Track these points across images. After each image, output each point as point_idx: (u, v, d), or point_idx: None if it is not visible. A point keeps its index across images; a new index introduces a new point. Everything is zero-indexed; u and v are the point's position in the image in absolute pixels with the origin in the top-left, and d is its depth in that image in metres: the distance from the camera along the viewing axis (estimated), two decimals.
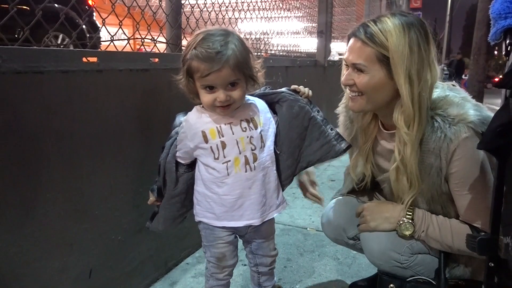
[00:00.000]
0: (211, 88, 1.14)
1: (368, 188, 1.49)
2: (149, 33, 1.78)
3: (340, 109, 1.48)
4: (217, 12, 2.40)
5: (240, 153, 1.20)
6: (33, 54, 1.17)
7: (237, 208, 1.23)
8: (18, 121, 1.15)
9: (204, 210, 1.27)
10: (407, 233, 1.26)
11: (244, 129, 1.20)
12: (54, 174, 1.27)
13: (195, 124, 1.21)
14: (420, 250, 1.29)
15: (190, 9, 2.11)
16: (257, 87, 1.25)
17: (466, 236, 1.09)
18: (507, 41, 0.95)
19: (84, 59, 1.32)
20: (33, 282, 1.24)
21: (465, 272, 1.31)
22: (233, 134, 1.20)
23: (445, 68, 11.47)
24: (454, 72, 11.25)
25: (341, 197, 1.56)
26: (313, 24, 4.42)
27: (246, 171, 1.21)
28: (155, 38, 1.82)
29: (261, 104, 1.28)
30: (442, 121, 1.18)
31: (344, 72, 1.27)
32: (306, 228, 2.37)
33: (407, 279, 1.28)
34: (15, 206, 1.17)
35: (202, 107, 1.22)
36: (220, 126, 1.20)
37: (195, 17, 2.13)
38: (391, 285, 1.29)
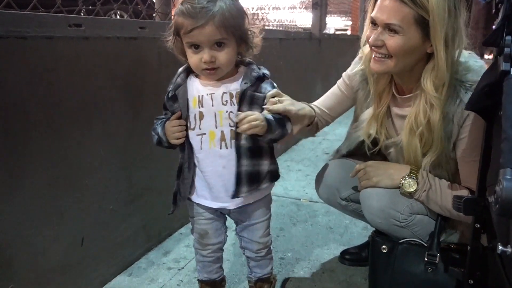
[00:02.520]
0: (196, 48, 1.07)
1: (367, 154, 1.46)
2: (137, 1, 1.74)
3: (356, 71, 1.41)
4: None
5: (216, 128, 1.13)
6: (15, 18, 1.14)
7: (211, 187, 1.18)
8: (1, 88, 1.13)
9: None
10: (410, 190, 1.26)
11: (225, 103, 1.12)
12: (42, 142, 1.26)
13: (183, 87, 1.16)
14: (419, 211, 1.30)
15: None
16: (251, 53, 1.17)
17: (452, 197, 1.09)
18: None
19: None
20: (25, 250, 1.25)
21: (461, 240, 1.33)
22: (212, 106, 1.13)
23: None
24: None
25: (336, 159, 1.55)
26: None
27: (221, 148, 1.13)
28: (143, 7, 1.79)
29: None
30: (459, 86, 1.18)
31: (368, 31, 1.22)
32: (300, 199, 2.38)
33: (400, 241, 1.29)
34: (2, 175, 1.16)
35: (189, 68, 1.16)
36: (201, 96, 1.13)
37: None
38: (383, 246, 1.29)
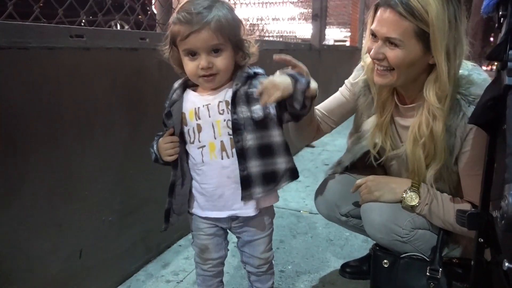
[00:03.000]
0: (193, 55, 1.05)
1: (368, 165, 1.46)
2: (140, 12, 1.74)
3: (359, 79, 1.40)
4: None
5: (215, 138, 1.10)
6: (17, 29, 1.14)
7: (217, 198, 1.14)
8: (2, 97, 1.13)
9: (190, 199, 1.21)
10: (412, 203, 1.25)
11: (221, 112, 1.10)
12: (42, 153, 1.25)
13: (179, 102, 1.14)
14: (421, 225, 1.29)
15: None
16: (248, 61, 1.14)
17: (456, 212, 1.08)
18: (500, 13, 0.93)
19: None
20: (22, 262, 1.23)
21: (464, 254, 1.32)
22: (209, 116, 1.10)
23: None
24: None
25: (335, 174, 1.54)
26: (309, 10, 4.37)
27: (222, 158, 1.11)
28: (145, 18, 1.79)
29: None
30: (463, 100, 1.17)
31: (369, 42, 1.21)
32: (299, 211, 2.37)
33: (401, 255, 1.28)
34: (1, 185, 1.15)
35: (186, 82, 1.15)
36: (198, 108, 1.11)
37: None
38: (385, 260, 1.28)
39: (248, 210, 1.14)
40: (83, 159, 1.40)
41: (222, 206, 1.15)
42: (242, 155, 1.10)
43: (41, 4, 1.32)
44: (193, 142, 1.13)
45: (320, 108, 1.51)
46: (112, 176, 1.54)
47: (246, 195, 1.11)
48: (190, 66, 1.07)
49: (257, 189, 1.11)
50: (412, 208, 1.26)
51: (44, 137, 1.25)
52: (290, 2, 4.34)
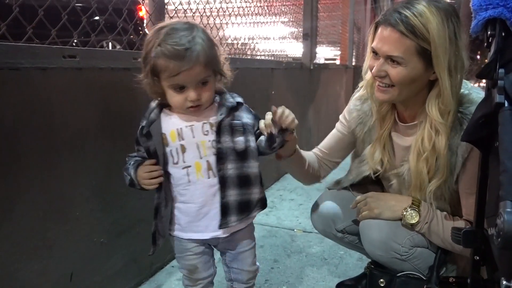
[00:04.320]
0: (181, 88, 1.06)
1: (371, 179, 1.45)
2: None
3: (354, 102, 1.43)
4: (201, 14, 2.39)
5: (201, 158, 1.11)
6: (9, 50, 1.14)
7: (202, 217, 1.14)
8: None
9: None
10: (412, 221, 1.25)
11: (206, 133, 1.11)
12: (33, 174, 1.24)
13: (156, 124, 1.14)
14: (420, 243, 1.28)
15: (174, 9, 2.09)
16: (224, 81, 1.17)
17: (451, 229, 1.08)
18: (488, 33, 0.95)
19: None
20: (11, 285, 1.20)
21: (462, 274, 1.30)
22: (193, 137, 1.11)
23: None
24: None
25: (333, 190, 1.53)
26: (299, 29, 4.43)
27: (209, 177, 1.12)
28: (137, 38, 1.80)
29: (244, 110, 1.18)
30: (463, 119, 1.18)
31: (370, 60, 1.22)
32: (293, 230, 2.35)
33: (398, 274, 1.26)
34: None
35: (161, 104, 1.15)
36: (180, 129, 1.12)
37: (178, 18, 2.11)
38: (381, 280, 1.27)
39: (224, 232, 1.16)
40: (74, 180, 1.38)
41: (205, 226, 1.15)
42: (223, 184, 1.12)
43: (34, 25, 1.32)
44: (177, 163, 1.13)
45: (320, 147, 1.52)
46: (103, 197, 1.52)
47: (223, 223, 1.13)
48: (177, 98, 1.07)
49: (232, 217, 1.13)
50: (412, 226, 1.26)
51: (36, 157, 1.24)
52: (281, 22, 4.40)
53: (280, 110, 1.10)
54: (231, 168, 1.12)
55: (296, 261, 1.97)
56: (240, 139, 1.12)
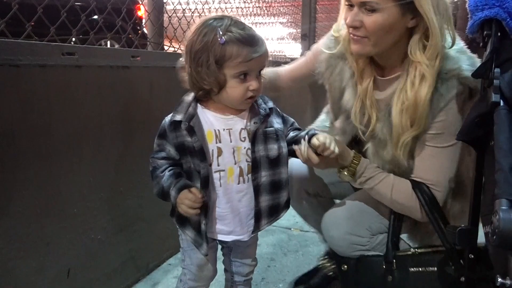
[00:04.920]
0: (244, 77, 1.03)
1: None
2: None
3: (324, 57, 1.33)
4: (200, 13, 2.39)
5: (235, 164, 1.09)
6: (8, 46, 1.14)
7: (228, 222, 1.13)
8: None
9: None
10: (346, 179, 1.23)
11: (243, 139, 1.09)
12: (30, 171, 1.24)
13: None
14: (379, 230, 1.29)
15: (173, 9, 2.10)
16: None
17: (446, 228, 1.09)
18: (484, 33, 0.96)
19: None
20: (8, 282, 1.20)
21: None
22: (230, 142, 1.08)
23: None
24: None
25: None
26: (298, 30, 4.45)
27: (238, 183, 1.10)
28: (136, 36, 1.80)
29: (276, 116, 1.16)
30: (437, 76, 1.13)
31: (343, 12, 1.18)
32: (290, 229, 2.35)
33: (357, 257, 1.27)
34: None
35: (196, 99, 1.10)
36: (218, 131, 1.08)
37: (177, 16, 2.12)
38: (344, 266, 1.26)
39: (246, 235, 1.15)
40: (72, 177, 1.38)
41: (229, 231, 1.14)
42: (256, 192, 1.11)
43: (33, 23, 1.32)
44: (211, 165, 1.09)
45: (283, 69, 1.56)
46: (101, 194, 1.52)
47: (255, 229, 1.14)
48: (240, 89, 1.04)
49: (263, 221, 1.14)
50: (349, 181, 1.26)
51: (33, 154, 1.24)
52: (280, 23, 4.42)
53: (321, 141, 1.06)
54: (264, 176, 1.11)
55: (293, 259, 1.98)
56: (273, 146, 1.11)
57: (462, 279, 1.10)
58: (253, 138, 1.09)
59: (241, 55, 1.00)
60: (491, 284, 0.88)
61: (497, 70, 0.91)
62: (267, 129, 1.11)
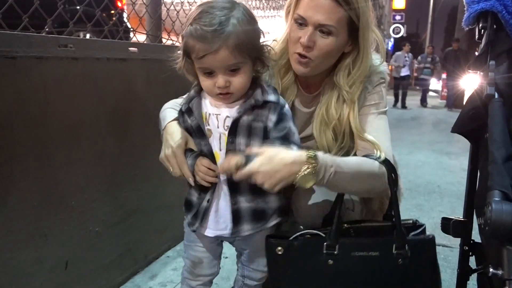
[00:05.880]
0: (209, 73, 0.98)
1: None
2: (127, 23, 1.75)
3: None
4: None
5: (220, 150, 1.05)
6: (4, 38, 1.14)
7: (213, 213, 1.09)
8: None
9: None
10: (308, 185, 1.01)
11: (226, 128, 1.04)
12: (28, 163, 1.24)
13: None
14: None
15: (171, 1, 2.09)
16: (267, 70, 1.09)
17: (441, 219, 1.09)
18: (480, 25, 0.96)
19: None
20: (5, 273, 1.21)
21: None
22: (217, 127, 1.05)
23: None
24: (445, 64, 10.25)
25: None
26: None
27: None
28: (134, 29, 1.80)
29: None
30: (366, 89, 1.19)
31: (297, 31, 1.11)
32: None
33: (292, 237, 1.12)
34: None
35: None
36: (208, 114, 1.06)
37: (175, 9, 2.11)
38: (279, 248, 1.12)
39: (228, 232, 1.10)
40: (69, 169, 1.39)
41: (215, 223, 1.09)
42: (234, 188, 1.06)
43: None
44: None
45: None
46: (99, 186, 1.53)
47: (234, 231, 1.08)
48: (206, 83, 1.01)
49: (245, 226, 1.08)
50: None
51: (31, 146, 1.24)
52: (279, 16, 4.40)
53: (224, 167, 0.98)
54: None
55: None
56: (256, 144, 1.02)
57: (400, 261, 1.06)
58: (233, 128, 1.03)
59: (195, 51, 0.96)
60: (484, 275, 0.88)
61: (492, 62, 0.92)
62: (254, 122, 1.03)
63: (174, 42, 2.01)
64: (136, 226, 1.72)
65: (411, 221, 1.15)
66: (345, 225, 1.13)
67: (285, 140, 1.02)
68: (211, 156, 1.07)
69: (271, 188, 0.97)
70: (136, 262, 1.77)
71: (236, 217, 1.07)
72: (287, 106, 1.09)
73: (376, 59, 1.22)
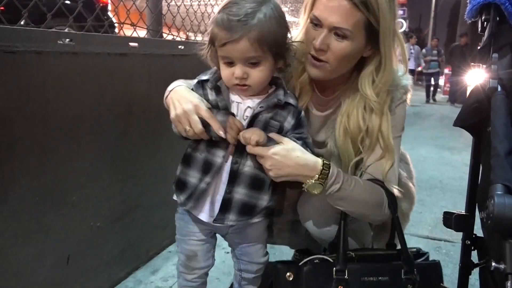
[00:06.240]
0: (229, 62, 0.98)
1: None
2: (128, 18, 1.74)
3: None
4: (199, 1, 2.38)
5: None
6: (4, 32, 1.13)
7: (209, 197, 1.08)
8: None
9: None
10: (315, 192, 1.05)
11: (245, 118, 1.04)
12: (29, 158, 1.24)
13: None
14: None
15: None
16: (288, 69, 1.09)
17: (443, 214, 1.09)
18: (483, 17, 0.95)
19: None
20: (7, 269, 1.21)
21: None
22: (236, 115, 1.05)
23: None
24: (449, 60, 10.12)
25: None
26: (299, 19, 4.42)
27: (226, 161, 1.05)
28: (134, 24, 1.79)
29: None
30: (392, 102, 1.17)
31: (312, 31, 1.08)
32: None
33: (301, 263, 1.15)
34: None
35: None
36: (231, 100, 1.06)
37: (176, 4, 2.11)
38: (288, 273, 1.14)
39: (209, 218, 1.10)
40: (70, 164, 1.39)
41: (209, 208, 1.09)
42: (233, 177, 1.06)
43: None
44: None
45: None
46: (100, 182, 1.52)
47: (219, 219, 1.08)
48: (225, 72, 1.01)
49: (231, 216, 1.08)
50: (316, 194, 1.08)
51: (31, 142, 1.24)
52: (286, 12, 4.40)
53: (247, 135, 0.99)
54: (248, 166, 1.05)
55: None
56: (270, 141, 1.02)
57: (409, 286, 1.08)
58: (252, 120, 1.04)
59: (218, 38, 0.97)
60: (486, 270, 0.88)
61: (495, 55, 0.91)
62: (271, 120, 1.05)
63: (174, 37, 2.01)
64: (137, 221, 1.72)
65: (415, 249, 1.21)
66: (350, 252, 1.15)
67: (303, 145, 1.06)
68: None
69: (274, 177, 1.02)
70: (137, 257, 1.77)
71: (225, 205, 1.07)
72: (303, 113, 1.10)
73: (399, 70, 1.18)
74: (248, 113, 1.05)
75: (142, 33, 1.92)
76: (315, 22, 1.07)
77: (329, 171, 1.03)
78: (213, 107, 1.06)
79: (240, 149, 1.04)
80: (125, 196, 1.66)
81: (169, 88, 1.11)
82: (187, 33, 2.34)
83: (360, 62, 1.13)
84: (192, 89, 1.08)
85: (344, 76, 1.16)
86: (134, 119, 1.65)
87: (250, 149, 1.00)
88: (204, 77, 1.08)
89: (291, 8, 4.54)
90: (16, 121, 1.19)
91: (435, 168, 3.71)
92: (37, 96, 1.25)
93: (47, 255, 1.33)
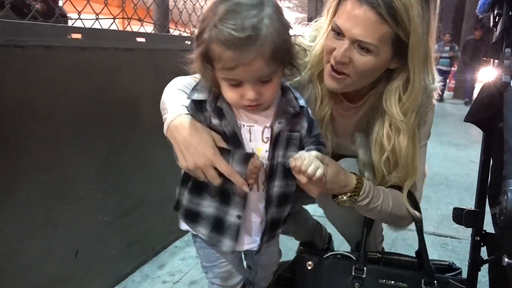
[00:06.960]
0: (237, 84, 0.84)
1: None
2: (135, 13, 1.74)
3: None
4: None
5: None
6: (13, 27, 1.13)
7: (242, 228, 1.00)
8: None
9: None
10: (345, 205, 1.07)
11: (266, 140, 0.92)
12: (37, 153, 1.24)
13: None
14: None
15: None
16: (296, 74, 0.99)
17: (452, 210, 1.08)
18: (495, 12, 0.94)
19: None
20: (16, 263, 1.21)
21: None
22: (250, 141, 0.92)
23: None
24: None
25: None
26: (304, 15, 4.39)
27: (251, 189, 0.94)
28: (142, 18, 1.79)
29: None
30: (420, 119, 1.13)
31: (333, 40, 0.99)
32: None
33: (325, 256, 1.20)
34: None
35: None
36: (240, 123, 0.92)
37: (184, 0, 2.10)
38: (309, 262, 1.19)
39: (256, 245, 1.04)
40: (78, 160, 1.39)
41: (243, 238, 1.02)
42: (268, 203, 0.98)
43: None
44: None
45: None
46: (107, 177, 1.53)
47: (262, 242, 1.03)
48: (231, 94, 0.86)
49: (266, 236, 1.02)
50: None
51: (39, 136, 1.24)
52: (286, 7, 4.37)
53: (295, 163, 0.89)
54: (277, 186, 0.97)
55: None
56: (293, 154, 0.92)
57: None
58: (275, 141, 0.93)
59: (222, 60, 0.80)
60: (496, 265, 0.88)
61: (507, 50, 0.90)
62: (292, 133, 0.95)
63: (181, 32, 2.00)
64: (144, 216, 1.73)
65: (447, 263, 1.24)
66: (378, 254, 1.21)
67: (319, 144, 0.99)
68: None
69: (318, 194, 0.97)
70: (144, 252, 1.78)
71: (265, 228, 1.00)
72: (307, 106, 1.00)
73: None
74: (267, 133, 0.92)
75: (149, 28, 1.92)
76: (337, 31, 0.97)
77: (362, 187, 1.05)
78: (218, 133, 0.92)
79: (271, 174, 0.95)
80: (132, 191, 1.66)
81: (165, 99, 0.99)
82: (193, 28, 2.34)
83: (387, 71, 1.05)
84: (187, 109, 0.93)
85: (368, 87, 1.10)
86: (141, 113, 1.65)
87: (302, 180, 0.91)
88: (199, 97, 0.92)
89: (296, 4, 4.53)
90: (24, 115, 1.19)
91: (440, 165, 3.70)
92: (46, 90, 1.25)
93: (55, 249, 1.33)
